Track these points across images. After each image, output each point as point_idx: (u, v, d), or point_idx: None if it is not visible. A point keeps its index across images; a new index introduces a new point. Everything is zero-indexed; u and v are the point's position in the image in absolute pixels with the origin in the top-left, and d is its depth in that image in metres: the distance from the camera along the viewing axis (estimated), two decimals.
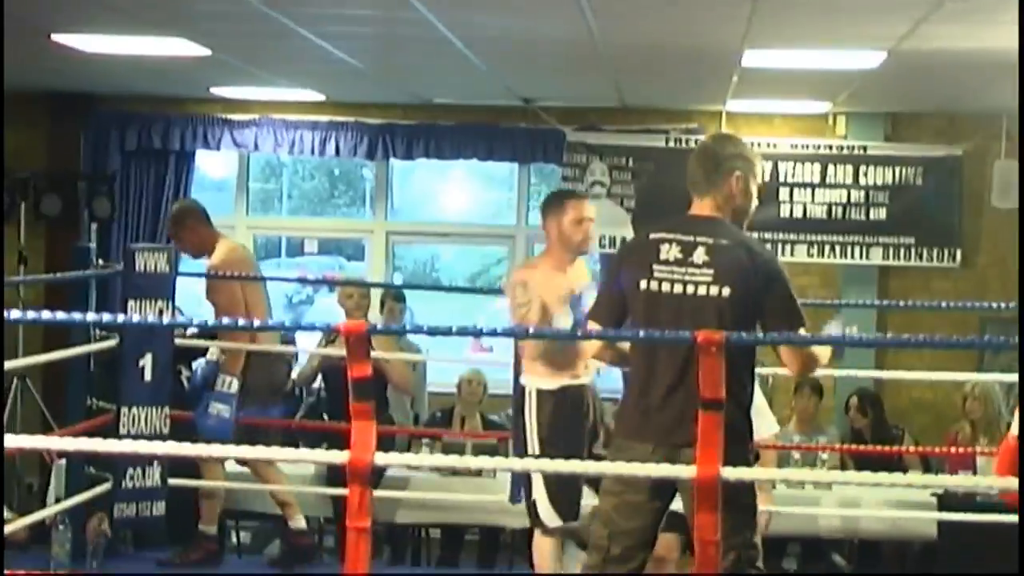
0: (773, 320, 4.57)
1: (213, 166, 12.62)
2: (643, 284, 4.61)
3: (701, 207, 4.73)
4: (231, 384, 7.08)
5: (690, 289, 4.55)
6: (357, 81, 9.32)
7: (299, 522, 7.37)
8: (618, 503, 4.63)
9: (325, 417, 8.53)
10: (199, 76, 9.36)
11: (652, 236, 4.70)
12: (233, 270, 7.24)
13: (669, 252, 4.60)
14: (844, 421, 9.25)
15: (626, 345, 4.78)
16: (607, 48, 7.56)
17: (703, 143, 5.02)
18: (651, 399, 4.60)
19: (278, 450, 4.18)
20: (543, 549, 6.13)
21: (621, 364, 4.93)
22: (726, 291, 4.51)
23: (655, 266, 4.61)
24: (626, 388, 4.87)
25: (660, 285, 4.59)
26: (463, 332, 4.20)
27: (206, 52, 7.96)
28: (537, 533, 6.14)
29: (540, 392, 5.99)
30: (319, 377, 8.64)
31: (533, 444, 5.99)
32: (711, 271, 4.54)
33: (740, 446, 4.44)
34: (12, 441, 4.20)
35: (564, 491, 5.90)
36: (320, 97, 10.34)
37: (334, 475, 7.58)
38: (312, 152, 10.87)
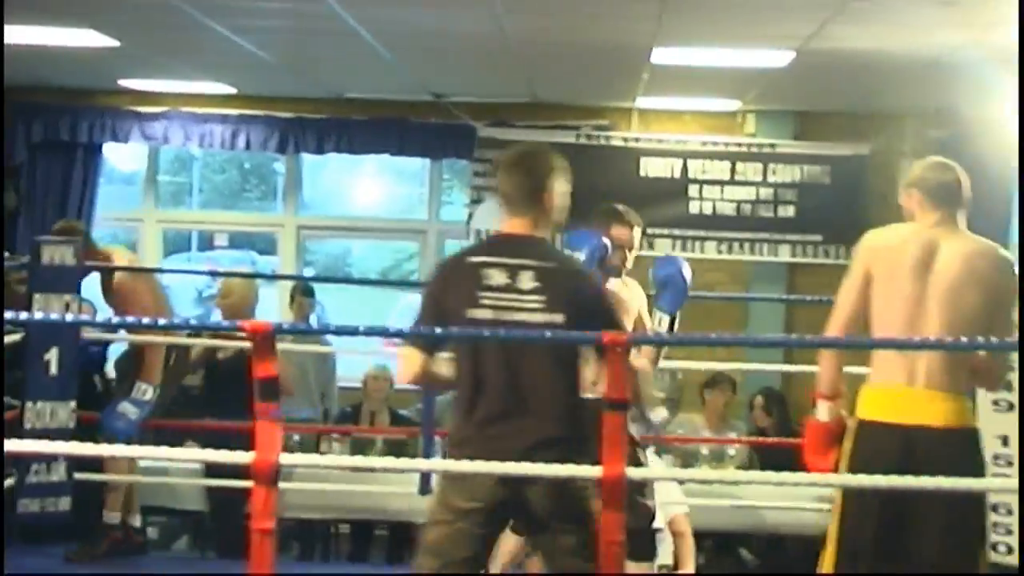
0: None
1: (122, 159, 12.50)
2: (468, 312, 4.28)
3: (519, 225, 4.42)
4: (146, 392, 7.02)
5: (520, 316, 4.28)
6: (267, 74, 9.27)
7: (114, 519, 7.30)
8: (451, 532, 4.31)
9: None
10: (108, 68, 9.28)
11: (472, 259, 4.41)
12: (139, 282, 7.23)
13: (494, 278, 4.32)
14: (749, 418, 9.33)
15: (444, 369, 4.47)
16: (518, 43, 7.58)
17: (518, 157, 4.56)
18: (487, 424, 4.33)
19: (180, 450, 4.14)
20: (506, 547, 6.11)
21: (438, 388, 4.59)
22: (558, 318, 4.26)
23: (479, 293, 4.30)
24: (454, 411, 4.51)
25: (488, 313, 4.30)
26: (371, 332, 4.16)
27: (115, 43, 7.89)
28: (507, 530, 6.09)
29: None
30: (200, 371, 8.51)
31: None
32: (542, 297, 4.29)
33: (585, 454, 4.26)
34: None
35: None
36: (231, 90, 10.28)
37: (213, 470, 7.52)
38: (222, 145, 10.78)
